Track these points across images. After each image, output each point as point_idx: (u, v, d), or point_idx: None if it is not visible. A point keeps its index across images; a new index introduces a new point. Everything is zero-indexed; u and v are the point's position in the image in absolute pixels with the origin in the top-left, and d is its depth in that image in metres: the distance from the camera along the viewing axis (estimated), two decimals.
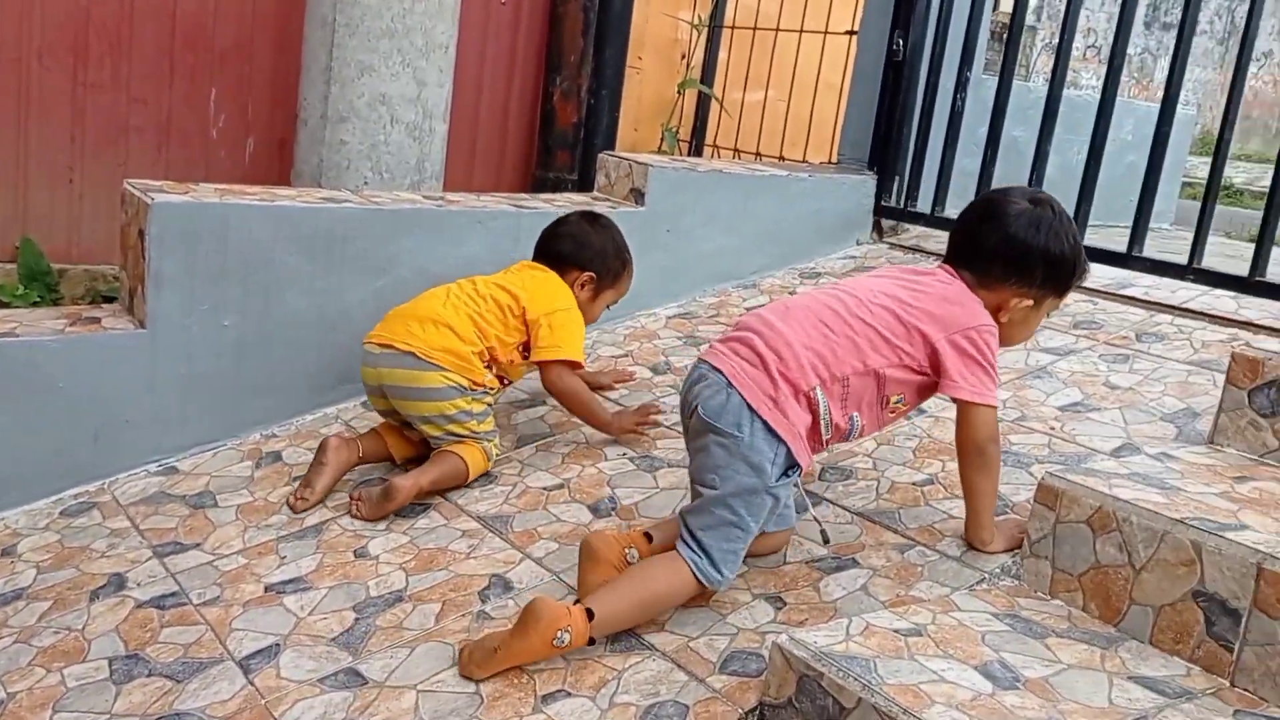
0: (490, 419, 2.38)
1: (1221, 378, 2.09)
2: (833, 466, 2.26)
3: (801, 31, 4.05)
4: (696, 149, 4.50)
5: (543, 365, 2.39)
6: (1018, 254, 1.88)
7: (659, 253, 3.10)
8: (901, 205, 3.60)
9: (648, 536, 1.85)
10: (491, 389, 2.39)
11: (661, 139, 4.44)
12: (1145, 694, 1.48)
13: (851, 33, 3.88)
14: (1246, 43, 2.77)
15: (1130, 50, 3.07)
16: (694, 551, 1.74)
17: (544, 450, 2.46)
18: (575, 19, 4.00)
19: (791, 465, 1.78)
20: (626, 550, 1.80)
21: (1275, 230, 2.74)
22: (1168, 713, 1.44)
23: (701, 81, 4.42)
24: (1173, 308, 2.82)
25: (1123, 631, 1.66)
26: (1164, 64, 9.17)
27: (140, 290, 2.45)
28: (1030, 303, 1.91)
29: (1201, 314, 2.77)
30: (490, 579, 1.99)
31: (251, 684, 1.77)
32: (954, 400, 1.85)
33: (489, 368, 2.37)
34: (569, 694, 1.67)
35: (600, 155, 3.43)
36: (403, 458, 2.43)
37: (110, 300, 3.24)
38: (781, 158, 4.03)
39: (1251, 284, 2.72)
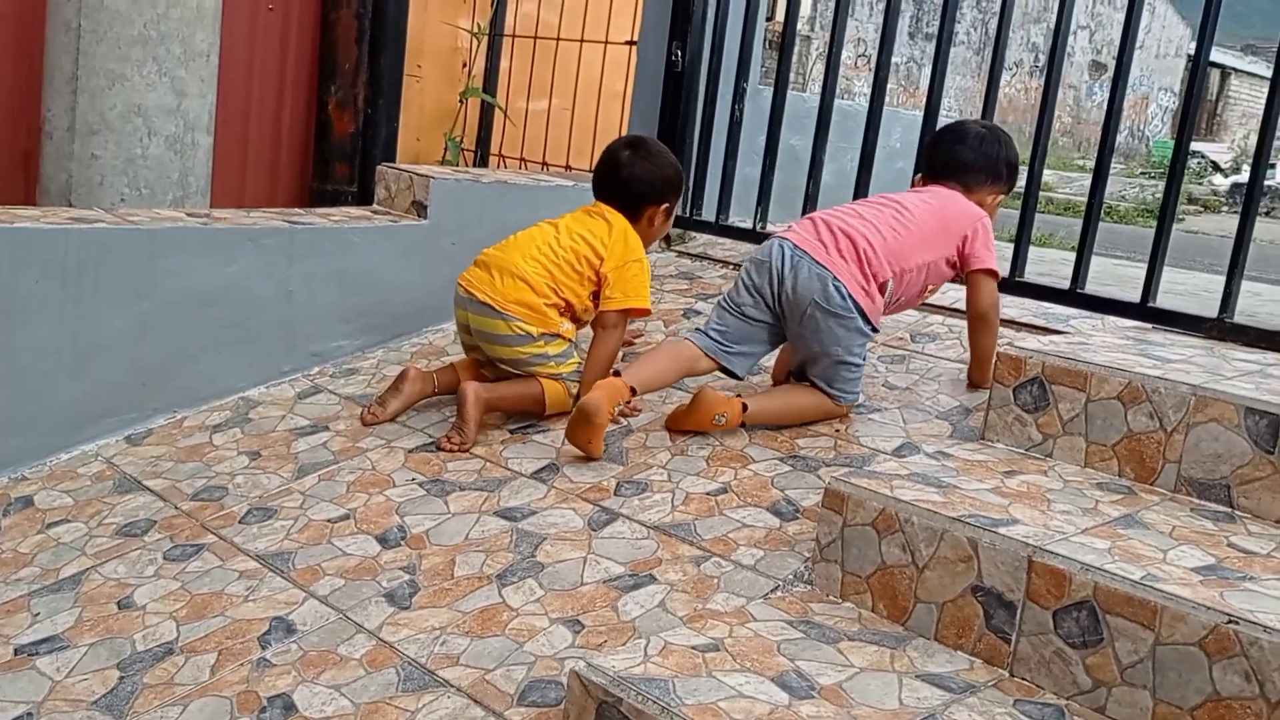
0: (572, 359, 2.56)
1: None
2: (628, 480, 2.24)
3: (582, 41, 4.03)
4: (482, 159, 4.41)
5: (607, 311, 2.54)
6: (989, 162, 2.56)
7: (446, 267, 3.00)
8: (687, 214, 3.63)
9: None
10: (565, 333, 2.55)
11: (445, 149, 4.34)
12: (933, 691, 1.52)
13: (631, 43, 3.90)
14: (998, 53, 2.93)
15: (897, 60, 3.19)
16: (830, 388, 2.34)
17: (327, 480, 2.34)
18: (348, 26, 3.86)
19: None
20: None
21: (1031, 231, 2.91)
22: (954, 708, 1.48)
23: (484, 90, 4.34)
24: (943, 308, 2.94)
25: (910, 630, 1.71)
26: (928, 72, 9.69)
27: None
28: (1001, 196, 2.61)
29: None
30: (271, 622, 1.87)
31: None
32: (969, 275, 2.45)
33: (564, 315, 2.53)
34: None
35: (379, 167, 3.31)
36: None
37: None
38: (568, 167, 4.00)
39: (1012, 284, 2.86)
